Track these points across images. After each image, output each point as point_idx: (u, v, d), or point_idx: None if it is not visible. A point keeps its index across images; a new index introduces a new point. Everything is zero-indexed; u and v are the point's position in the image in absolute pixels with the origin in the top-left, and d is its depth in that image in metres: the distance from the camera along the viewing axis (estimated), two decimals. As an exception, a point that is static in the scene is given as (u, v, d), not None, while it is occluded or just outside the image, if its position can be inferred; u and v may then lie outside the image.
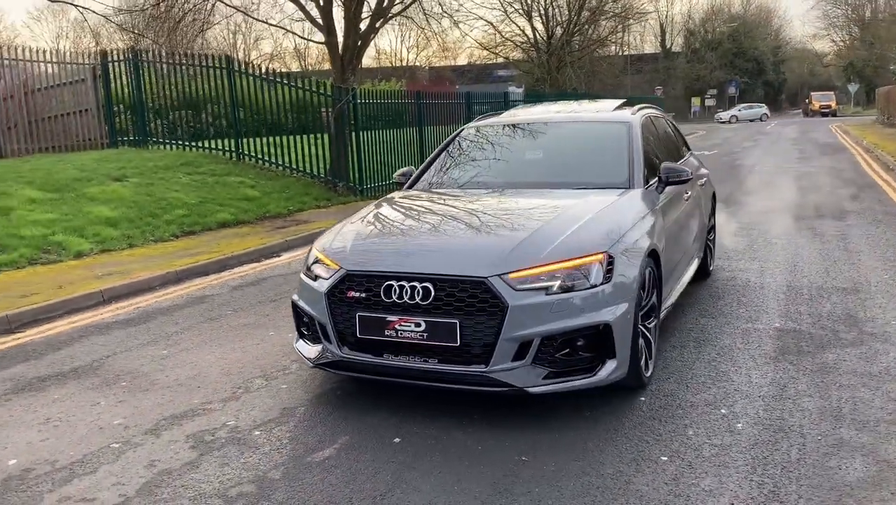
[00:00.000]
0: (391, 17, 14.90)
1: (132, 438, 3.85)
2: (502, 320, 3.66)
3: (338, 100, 14.36)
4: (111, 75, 15.92)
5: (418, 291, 3.78)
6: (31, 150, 14.91)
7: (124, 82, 16.05)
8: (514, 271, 3.73)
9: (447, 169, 5.50)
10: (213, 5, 13.85)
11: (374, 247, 4.18)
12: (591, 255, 3.85)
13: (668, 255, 4.91)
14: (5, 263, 8.40)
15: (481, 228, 4.21)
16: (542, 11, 28.14)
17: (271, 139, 15.22)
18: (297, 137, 14.85)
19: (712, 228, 7.11)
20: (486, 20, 28.87)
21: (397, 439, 3.70)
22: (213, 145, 15.61)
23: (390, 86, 29.85)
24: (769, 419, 3.82)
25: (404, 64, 60.14)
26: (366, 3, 14.66)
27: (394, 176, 5.80)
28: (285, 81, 14.90)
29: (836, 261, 7.38)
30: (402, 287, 3.82)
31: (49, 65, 15.88)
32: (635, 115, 5.49)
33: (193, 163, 14.53)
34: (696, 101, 61.41)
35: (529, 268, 3.76)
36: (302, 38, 16.45)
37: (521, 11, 27.99)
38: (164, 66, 15.64)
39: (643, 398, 4.13)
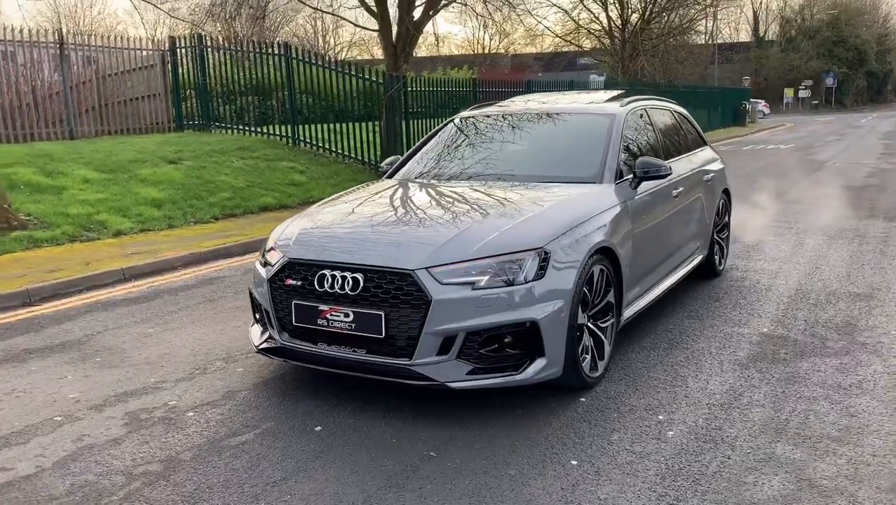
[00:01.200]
0: (445, 5, 14.86)
1: (76, 412, 4.01)
2: (426, 314, 3.62)
3: (389, 87, 14.46)
4: (179, 61, 16.50)
5: (349, 281, 3.79)
6: (102, 132, 15.62)
7: (190, 68, 16.62)
8: (441, 265, 3.69)
9: (425, 159, 5.46)
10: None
11: (316, 236, 4.20)
12: (525, 250, 3.77)
13: (641, 252, 4.75)
14: (46, 240, 8.85)
15: (424, 221, 4.18)
16: (619, -4, 27.38)
17: (329, 126, 15.45)
18: (354, 124, 15.03)
19: (725, 226, 6.82)
20: (560, 7, 28.43)
21: (319, 428, 3.73)
22: (272, 131, 16.01)
23: (461, 73, 29.81)
24: (706, 428, 3.66)
25: (486, 51, 59.80)
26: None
27: (381, 164, 5.82)
28: (340, 69, 15.09)
29: (864, 264, 6.97)
30: (333, 277, 3.84)
31: (122, 51, 16.59)
32: (623, 108, 5.31)
33: (250, 147, 14.93)
34: (788, 92, 58.75)
35: (458, 262, 3.71)
36: (356, 25, 16.64)
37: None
38: (227, 52, 16.06)
39: (584, 399, 4.02)
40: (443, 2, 14.66)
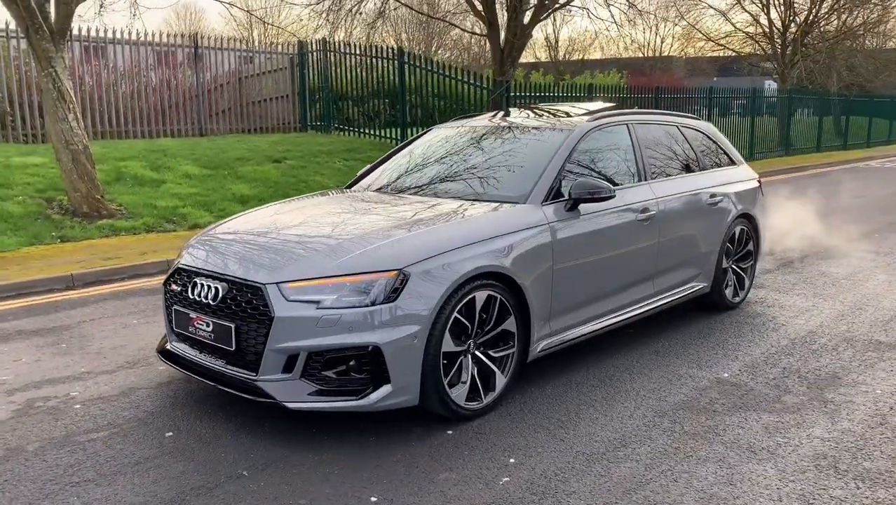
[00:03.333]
0: (555, 10, 14.53)
1: (-10, 394, 4.33)
2: (269, 330, 3.57)
3: (492, 92, 14.38)
4: (306, 64, 17.29)
5: (212, 290, 3.82)
6: (232, 130, 16.70)
7: (316, 71, 17.36)
8: (291, 281, 3.62)
9: (381, 171, 5.39)
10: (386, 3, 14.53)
11: (207, 242, 4.26)
12: (378, 271, 3.61)
13: (576, 279, 4.43)
14: (125, 229, 9.60)
15: (303, 235, 4.11)
16: (785, -4, 25.17)
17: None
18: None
19: (748, 255, 6.15)
20: (715, 9, 26.69)
21: (170, 434, 3.78)
22: (385, 133, 16.39)
23: (608, 79, 28.99)
24: (550, 480, 3.32)
25: (657, 54, 57.87)
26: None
27: (359, 173, 5.78)
28: (448, 73, 15.17)
29: (921, 308, 6.04)
30: (202, 285, 3.88)
31: (258, 54, 17.69)
32: (587, 123, 4.95)
33: (357, 149, 15.37)
34: None
35: (307, 279, 3.62)
36: (463, 30, 16.59)
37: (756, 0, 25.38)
38: (348, 56, 16.59)
39: (451, 431, 3.79)
40: (553, 7, 14.33)
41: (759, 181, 6.41)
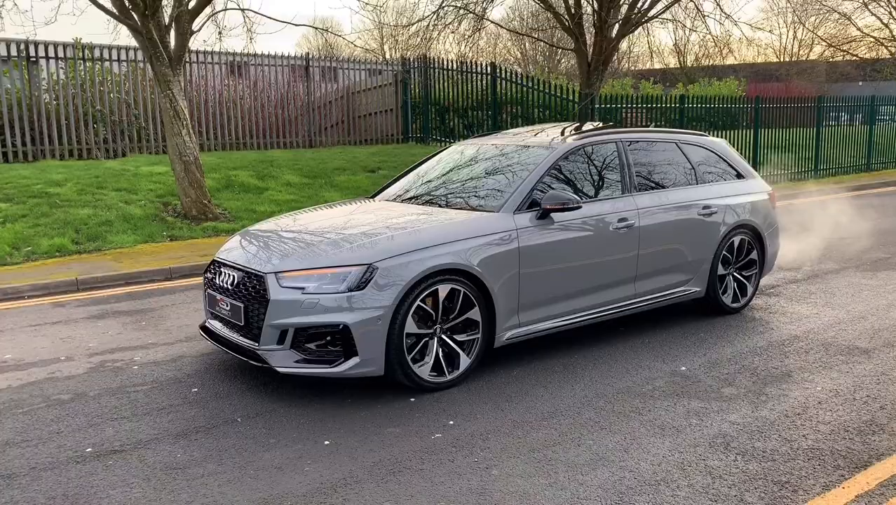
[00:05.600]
0: (640, 25, 14.88)
1: (77, 355, 5.51)
2: (266, 309, 4.50)
3: (578, 104, 14.92)
4: (409, 80, 18.43)
5: (232, 277, 4.80)
6: (339, 142, 18.09)
7: (417, 86, 18.48)
8: (285, 272, 4.54)
9: (400, 182, 6.24)
10: (482, 20, 15.43)
11: (240, 239, 5.27)
12: (352, 265, 4.46)
13: (545, 279, 5.10)
14: (225, 231, 10.94)
15: (308, 235, 5.02)
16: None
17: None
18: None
19: (750, 263, 6.52)
20: (839, 13, 25.67)
21: (195, 389, 4.78)
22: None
23: (724, 87, 28.52)
24: (471, 438, 4.04)
25: (794, 59, 55.60)
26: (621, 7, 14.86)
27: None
28: (536, 87, 15.84)
29: (925, 319, 6.21)
30: (225, 273, 4.88)
31: (366, 71, 19.01)
32: (571, 142, 5.59)
33: (451, 159, 16.31)
34: None
35: (297, 270, 4.53)
36: (550, 44, 17.11)
37: (882, 2, 24.19)
38: (445, 71, 17.59)
39: (413, 399, 4.58)
40: (641, 20, 14.70)
41: (769, 194, 6.76)
